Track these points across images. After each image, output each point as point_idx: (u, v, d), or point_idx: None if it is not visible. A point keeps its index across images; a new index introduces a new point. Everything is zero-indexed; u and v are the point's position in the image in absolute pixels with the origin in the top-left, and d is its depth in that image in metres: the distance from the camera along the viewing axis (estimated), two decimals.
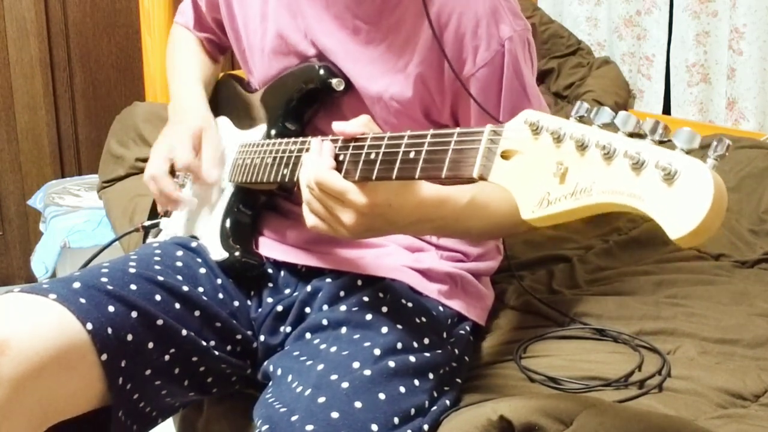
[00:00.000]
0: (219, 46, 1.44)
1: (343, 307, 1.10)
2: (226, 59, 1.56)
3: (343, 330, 1.07)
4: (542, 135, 0.73)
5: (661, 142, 0.66)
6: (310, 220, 1.00)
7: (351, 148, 0.97)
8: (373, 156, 0.94)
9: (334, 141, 1.00)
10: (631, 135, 0.68)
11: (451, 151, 0.85)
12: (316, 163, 0.98)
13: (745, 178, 1.87)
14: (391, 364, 1.01)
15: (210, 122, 1.27)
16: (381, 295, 1.11)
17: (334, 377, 0.98)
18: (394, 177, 0.91)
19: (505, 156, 0.78)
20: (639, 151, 0.65)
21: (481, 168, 0.80)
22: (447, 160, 0.85)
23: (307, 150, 1.03)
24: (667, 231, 0.63)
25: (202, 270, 1.16)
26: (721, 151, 0.64)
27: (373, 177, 0.94)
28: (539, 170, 0.72)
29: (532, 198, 0.72)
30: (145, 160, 1.97)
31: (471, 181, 0.82)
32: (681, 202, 0.62)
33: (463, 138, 0.84)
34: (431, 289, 1.16)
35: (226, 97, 1.37)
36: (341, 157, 0.98)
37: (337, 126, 0.99)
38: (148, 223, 1.38)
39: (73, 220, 2.26)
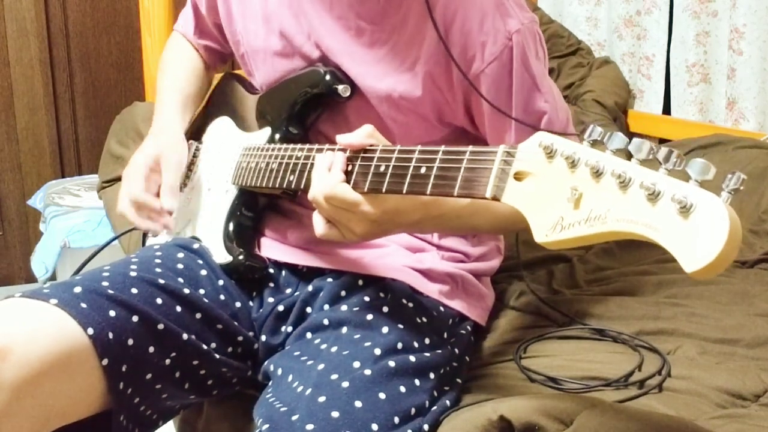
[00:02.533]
0: (219, 54, 1.43)
1: (344, 307, 1.10)
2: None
3: (344, 330, 1.07)
4: (556, 159, 0.74)
5: (674, 171, 0.67)
6: (320, 229, 1.00)
7: (360, 159, 0.97)
8: (382, 168, 0.94)
9: (342, 151, 0.99)
10: (644, 162, 0.69)
11: (464, 169, 0.85)
12: (325, 177, 0.98)
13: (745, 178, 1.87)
14: (392, 363, 1.01)
15: (171, 147, 1.24)
16: (382, 295, 1.11)
17: (334, 377, 0.98)
18: (404, 191, 0.91)
19: (517, 177, 0.78)
20: (654, 182, 0.66)
21: (495, 188, 0.80)
22: (459, 179, 0.85)
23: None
24: (682, 264, 0.64)
25: (204, 272, 1.16)
26: (736, 185, 0.65)
27: (383, 190, 0.93)
28: (553, 194, 0.73)
29: (545, 221, 0.73)
30: None
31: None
32: (696, 235, 0.63)
33: (475, 157, 0.84)
34: (432, 290, 1.16)
35: (228, 97, 1.36)
36: (349, 168, 0.98)
37: (343, 138, 0.98)
38: None
39: (73, 220, 2.26)
